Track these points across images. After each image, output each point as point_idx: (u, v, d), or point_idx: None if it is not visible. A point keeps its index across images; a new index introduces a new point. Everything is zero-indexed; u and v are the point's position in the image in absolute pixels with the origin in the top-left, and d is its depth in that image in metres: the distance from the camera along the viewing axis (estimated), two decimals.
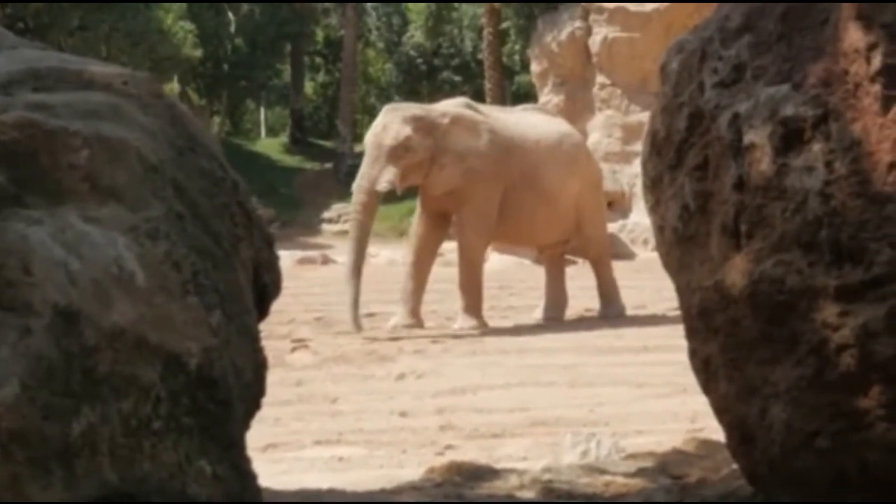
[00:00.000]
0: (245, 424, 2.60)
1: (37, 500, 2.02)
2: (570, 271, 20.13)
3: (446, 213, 14.04)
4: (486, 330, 13.32)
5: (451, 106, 14.58)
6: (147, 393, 2.22)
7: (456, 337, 12.67)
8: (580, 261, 21.41)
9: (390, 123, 13.79)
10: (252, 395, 2.63)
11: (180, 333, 2.32)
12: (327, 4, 46.00)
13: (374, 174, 13.62)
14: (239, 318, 2.57)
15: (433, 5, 39.65)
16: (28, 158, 2.32)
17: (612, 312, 14.47)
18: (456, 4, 40.45)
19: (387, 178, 13.58)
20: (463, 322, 13.56)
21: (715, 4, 3.40)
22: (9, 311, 2.08)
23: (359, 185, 13.67)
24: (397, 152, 13.51)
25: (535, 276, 18.51)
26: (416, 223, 14.39)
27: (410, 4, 42.20)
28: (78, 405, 2.09)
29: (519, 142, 14.29)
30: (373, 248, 21.27)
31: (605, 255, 15.18)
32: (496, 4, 33.61)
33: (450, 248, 21.82)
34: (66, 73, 2.71)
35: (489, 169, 13.86)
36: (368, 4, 45.48)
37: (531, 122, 14.91)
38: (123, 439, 2.15)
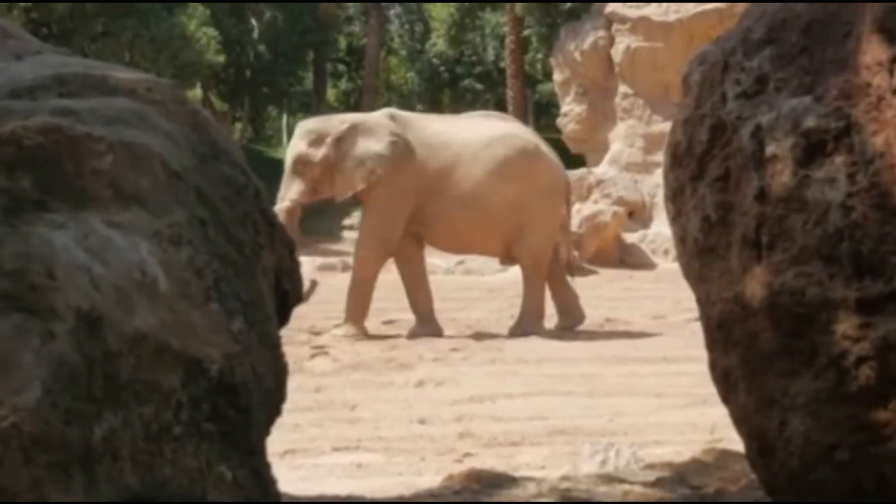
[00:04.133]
0: (266, 431, 2.61)
1: None
2: (589, 280, 20.16)
3: None
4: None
5: (369, 115, 14.63)
6: (168, 399, 2.23)
7: (477, 343, 12.66)
8: (599, 270, 21.46)
9: (293, 139, 14.01)
10: (273, 401, 2.64)
11: (202, 340, 2.33)
12: (350, 12, 46.08)
13: (282, 192, 13.86)
14: (260, 324, 2.58)
15: (456, 14, 39.69)
16: (52, 164, 2.34)
17: (519, 331, 13.88)
18: (479, 13, 40.48)
19: (291, 195, 13.74)
20: (344, 330, 13.48)
21: (737, 16, 3.40)
22: (32, 316, 2.09)
23: (277, 204, 13.72)
24: (297, 168, 13.65)
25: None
26: None
27: (433, 12, 42.23)
28: (100, 410, 2.11)
29: (437, 147, 14.00)
30: None
31: (540, 268, 14.45)
32: (518, 13, 33.63)
33: (470, 256, 21.88)
34: (90, 79, 2.72)
35: (393, 173, 13.64)
36: (391, 12, 45.56)
37: (465, 127, 14.55)
38: (144, 444, 2.16)
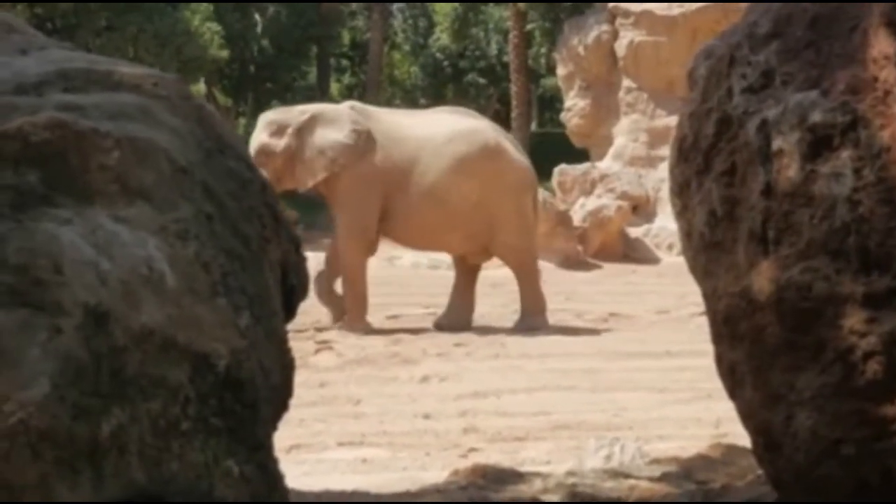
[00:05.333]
0: (272, 425, 2.61)
1: (65, 500, 2.03)
2: (593, 275, 20.18)
3: None
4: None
5: (330, 105, 14.58)
6: (175, 394, 2.23)
7: (480, 338, 12.66)
8: (603, 265, 21.46)
9: (255, 131, 13.96)
10: (279, 396, 2.64)
11: (209, 335, 2.33)
12: (353, 7, 46.08)
13: None
14: (267, 319, 2.58)
15: (459, 8, 39.66)
16: (58, 159, 2.34)
17: (523, 326, 13.67)
18: (482, 7, 40.46)
19: None
20: (348, 328, 13.44)
21: (742, 10, 3.40)
22: (39, 311, 2.09)
23: None
24: (259, 159, 13.41)
25: (554, 280, 18.49)
26: None
27: (437, 7, 42.20)
28: (107, 405, 2.11)
29: (398, 140, 13.87)
30: (396, 251, 21.30)
31: (526, 264, 14.27)
32: (522, 7, 33.61)
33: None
34: (95, 75, 2.72)
35: (354, 163, 13.55)
36: (395, 7, 45.55)
37: (427, 122, 14.38)
38: (152, 439, 2.16)
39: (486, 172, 13.77)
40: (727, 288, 3.11)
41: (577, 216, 22.29)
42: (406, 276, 18.91)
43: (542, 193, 21.49)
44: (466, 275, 14.39)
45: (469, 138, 13.99)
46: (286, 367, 2.70)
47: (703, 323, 3.42)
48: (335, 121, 13.68)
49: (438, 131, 13.96)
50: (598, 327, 13.80)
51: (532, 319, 13.80)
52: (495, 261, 20.22)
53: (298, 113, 14.10)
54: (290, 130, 13.67)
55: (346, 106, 14.42)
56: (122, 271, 2.22)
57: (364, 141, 13.63)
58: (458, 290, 14.29)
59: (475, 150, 13.91)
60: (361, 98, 42.37)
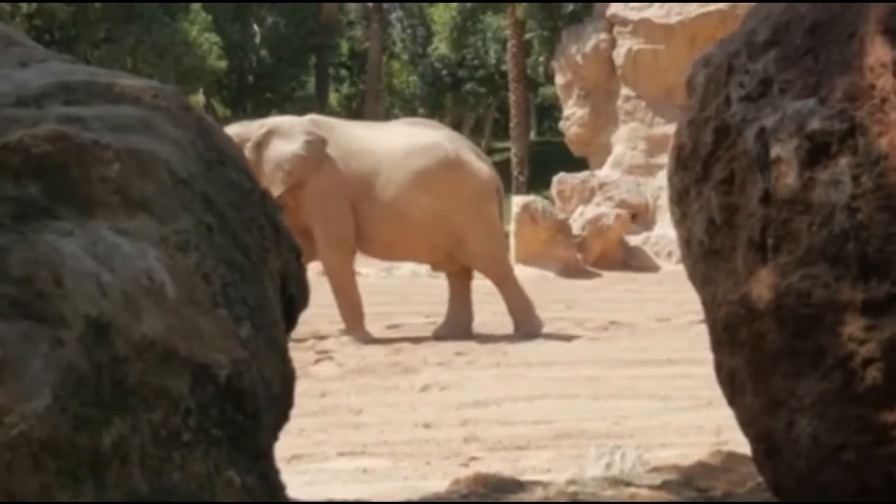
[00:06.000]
0: (273, 435, 2.62)
1: None
2: (593, 283, 20.18)
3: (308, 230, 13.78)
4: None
5: (288, 118, 14.61)
6: (177, 404, 2.23)
7: (481, 346, 12.66)
8: (603, 273, 21.46)
9: None
10: (280, 406, 2.65)
11: (209, 345, 2.33)
12: (352, 17, 46.13)
13: None
14: (267, 329, 2.59)
15: (458, 17, 39.71)
16: (59, 171, 2.34)
17: (523, 333, 13.78)
18: (480, 16, 40.50)
19: None
20: (347, 338, 13.43)
21: (740, 18, 3.41)
22: (41, 323, 2.09)
23: None
24: None
25: (554, 289, 18.52)
26: None
27: (435, 16, 42.26)
28: (108, 416, 2.11)
29: (359, 153, 13.95)
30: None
31: (503, 271, 14.39)
32: (520, 16, 33.65)
33: None
34: (96, 87, 2.73)
35: (312, 173, 13.58)
36: (393, 16, 45.60)
37: (388, 135, 14.44)
38: (153, 450, 2.17)
39: (445, 185, 13.89)
40: (726, 295, 3.12)
41: (576, 225, 22.31)
42: (405, 285, 18.92)
43: (541, 202, 21.57)
44: (459, 283, 14.42)
45: (427, 152, 14.09)
46: (287, 377, 2.71)
47: (704, 330, 3.42)
48: (289, 134, 13.70)
49: (398, 145, 14.07)
50: (598, 335, 13.81)
51: (527, 323, 13.92)
52: None
53: (258, 127, 14.16)
54: (249, 145, 13.65)
55: (306, 119, 14.44)
56: (123, 282, 2.23)
57: (317, 149, 13.65)
58: (453, 298, 14.31)
59: (434, 163, 14.01)
60: (360, 107, 42.53)
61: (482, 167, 14.42)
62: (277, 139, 13.78)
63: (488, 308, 15.71)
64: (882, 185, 2.70)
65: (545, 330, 14.07)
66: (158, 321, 2.25)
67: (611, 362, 11.41)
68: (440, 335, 13.58)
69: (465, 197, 13.97)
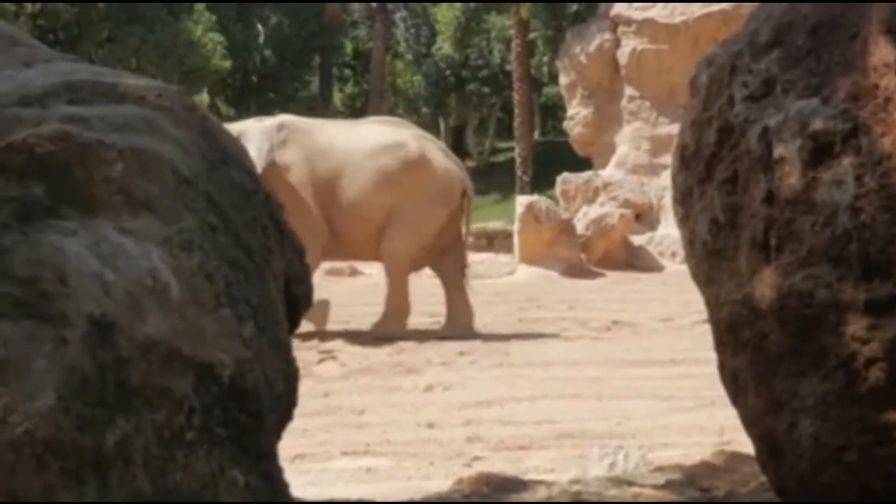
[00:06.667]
0: (277, 435, 2.62)
1: None
2: (597, 283, 20.18)
3: None
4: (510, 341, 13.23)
5: (253, 121, 14.59)
6: (180, 404, 2.23)
7: (484, 346, 12.66)
8: (607, 273, 21.46)
9: None
10: (283, 406, 2.65)
11: (213, 345, 2.33)
12: (356, 16, 46.14)
13: None
14: (271, 329, 2.59)
15: (461, 17, 39.71)
16: (63, 171, 2.34)
17: (379, 329, 13.78)
18: (484, 16, 40.50)
19: None
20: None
21: (744, 18, 3.41)
22: (44, 322, 2.10)
23: None
24: None
25: (558, 289, 18.53)
26: None
27: (439, 16, 42.26)
28: (112, 416, 2.11)
29: (325, 153, 13.93)
30: None
31: (399, 271, 14.25)
32: (524, 16, 33.65)
33: (477, 259, 21.87)
34: (100, 86, 2.73)
35: (279, 174, 13.46)
36: (397, 16, 45.61)
37: (354, 135, 14.41)
38: (157, 450, 2.17)
39: (406, 184, 13.88)
40: (729, 295, 3.12)
41: (580, 224, 22.32)
42: (409, 285, 18.88)
43: (544, 202, 21.57)
44: (451, 281, 14.42)
45: (390, 151, 14.09)
46: (290, 376, 2.71)
47: (707, 331, 3.43)
48: (250, 138, 13.64)
49: (362, 144, 14.07)
50: (601, 335, 13.81)
51: (389, 324, 13.89)
52: (497, 270, 20.14)
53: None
54: None
55: (274, 121, 14.40)
56: (127, 282, 2.23)
57: (271, 153, 13.63)
58: (449, 298, 14.30)
59: (396, 162, 14.02)
60: (364, 107, 42.50)
61: (449, 167, 14.38)
62: (245, 141, 13.80)
63: (491, 308, 15.72)
64: (885, 186, 2.70)
65: (547, 330, 14.07)
66: (162, 321, 2.25)
67: (614, 362, 11.41)
68: (445, 336, 13.58)
69: (423, 196, 13.95)
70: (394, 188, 13.84)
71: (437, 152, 14.43)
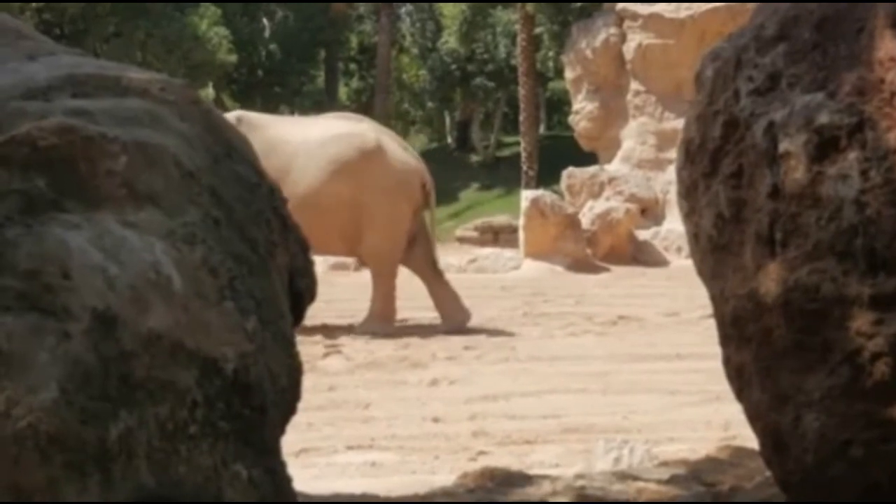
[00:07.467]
0: (280, 429, 2.62)
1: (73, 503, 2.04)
2: (602, 278, 20.17)
3: None
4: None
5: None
6: (183, 398, 2.23)
7: (490, 341, 12.66)
8: (612, 268, 21.46)
9: None
10: (287, 400, 2.65)
11: (216, 339, 2.33)
12: (361, 11, 46.14)
13: None
14: (274, 323, 2.59)
15: (467, 11, 39.68)
16: (67, 164, 2.34)
17: (363, 328, 13.59)
18: (490, 10, 40.47)
19: None
20: None
21: (749, 12, 3.40)
22: (48, 316, 2.10)
23: None
24: None
25: (564, 283, 18.53)
26: None
27: (445, 10, 42.23)
28: (115, 409, 2.11)
29: (276, 146, 13.68)
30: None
31: (384, 270, 14.07)
32: (530, 10, 33.63)
33: (482, 253, 21.86)
34: (104, 80, 2.73)
35: None
36: (403, 10, 45.59)
37: (308, 127, 14.30)
38: (160, 443, 2.17)
39: (359, 174, 13.68)
40: (735, 290, 3.11)
41: (585, 219, 22.31)
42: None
43: (550, 197, 21.57)
44: (429, 275, 14.32)
45: (343, 141, 13.94)
46: (294, 370, 2.71)
47: (713, 325, 3.42)
48: None
49: (314, 135, 13.91)
50: (607, 330, 13.80)
51: (374, 325, 13.69)
52: (503, 265, 20.12)
53: None
54: None
55: (232, 115, 14.27)
56: (130, 276, 2.23)
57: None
58: (434, 294, 14.25)
59: (349, 151, 13.84)
60: (370, 101, 42.50)
61: (406, 160, 14.23)
62: None
63: (497, 303, 15.74)
64: (891, 180, 2.69)
65: (552, 324, 14.06)
66: (165, 315, 2.25)
67: (619, 357, 11.40)
68: (448, 332, 13.52)
69: (379, 187, 13.75)
70: (349, 178, 13.62)
71: (393, 144, 14.24)
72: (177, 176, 2.49)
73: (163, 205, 2.42)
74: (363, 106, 46.56)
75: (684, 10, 24.92)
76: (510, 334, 13.35)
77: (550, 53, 36.26)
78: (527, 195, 22.03)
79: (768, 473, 3.41)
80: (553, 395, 9.40)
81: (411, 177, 14.14)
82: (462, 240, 27.34)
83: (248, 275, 2.54)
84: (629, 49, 26.13)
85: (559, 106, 43.91)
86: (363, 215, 13.74)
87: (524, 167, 34.21)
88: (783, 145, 2.91)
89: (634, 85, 26.24)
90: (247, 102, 41.87)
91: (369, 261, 14.23)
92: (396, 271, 14.23)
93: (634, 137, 26.00)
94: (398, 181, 13.97)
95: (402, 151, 14.28)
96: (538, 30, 35.09)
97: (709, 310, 3.48)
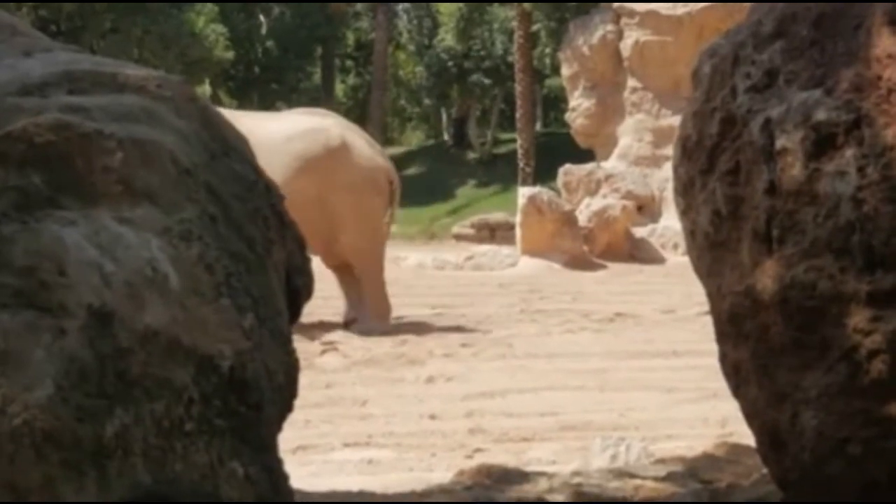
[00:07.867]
0: (277, 427, 2.61)
1: (70, 501, 2.03)
2: (599, 275, 20.17)
3: None
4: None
5: None
6: (180, 395, 2.23)
7: (486, 338, 12.66)
8: (609, 265, 21.46)
9: None
10: (284, 397, 2.64)
11: (213, 336, 2.33)
12: (358, 8, 46.13)
13: None
14: (271, 320, 2.58)
15: (464, 8, 39.68)
16: (63, 161, 2.34)
17: (362, 328, 13.34)
18: (487, 7, 40.47)
19: None
20: None
21: (746, 9, 3.40)
22: (43, 313, 2.09)
23: None
24: None
25: (560, 280, 18.52)
26: None
27: (441, 7, 42.23)
28: (111, 406, 2.11)
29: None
30: (402, 252, 21.30)
31: (370, 267, 13.95)
32: (527, 7, 33.63)
33: (479, 251, 21.85)
34: (100, 76, 2.72)
35: None
36: (399, 7, 45.58)
37: (273, 123, 14.05)
38: (156, 440, 2.16)
39: (324, 169, 13.51)
40: (731, 287, 3.11)
41: (582, 216, 22.30)
42: (411, 276, 18.90)
43: (547, 194, 21.57)
44: (341, 275, 14.20)
45: (308, 136, 13.76)
46: (291, 367, 2.70)
47: (710, 322, 3.42)
48: None
49: (278, 131, 13.64)
50: (604, 327, 13.79)
51: (373, 323, 13.57)
52: (500, 262, 20.09)
53: None
54: None
55: None
56: (127, 273, 2.22)
57: None
58: (348, 294, 14.12)
59: (313, 147, 13.66)
60: (366, 98, 42.48)
61: (372, 156, 14.08)
62: None
63: (494, 300, 15.73)
64: (888, 177, 2.69)
65: (549, 321, 14.06)
66: (162, 311, 2.25)
67: (616, 354, 11.40)
68: (363, 331, 13.25)
69: (345, 184, 13.61)
70: (314, 174, 13.42)
71: (360, 141, 14.05)
72: (173, 173, 2.49)
73: (159, 201, 2.41)
74: (360, 102, 46.61)
75: (682, 7, 24.90)
76: (507, 331, 13.35)
77: (547, 50, 36.26)
78: (523, 192, 22.03)
79: (765, 471, 3.41)
80: (550, 393, 9.40)
81: (377, 174, 14.01)
82: (459, 237, 27.37)
83: (245, 272, 2.53)
84: (626, 46, 26.11)
85: (556, 103, 43.92)
86: (334, 214, 13.59)
87: (521, 164, 34.23)
88: (780, 142, 2.91)
89: (631, 82, 26.22)
90: (244, 99, 41.93)
91: (353, 260, 14.01)
92: (383, 266, 14.14)
93: (631, 134, 25.98)
94: (364, 178, 13.82)
95: (368, 148, 14.11)
96: (535, 27, 35.09)
97: (706, 307, 3.48)
